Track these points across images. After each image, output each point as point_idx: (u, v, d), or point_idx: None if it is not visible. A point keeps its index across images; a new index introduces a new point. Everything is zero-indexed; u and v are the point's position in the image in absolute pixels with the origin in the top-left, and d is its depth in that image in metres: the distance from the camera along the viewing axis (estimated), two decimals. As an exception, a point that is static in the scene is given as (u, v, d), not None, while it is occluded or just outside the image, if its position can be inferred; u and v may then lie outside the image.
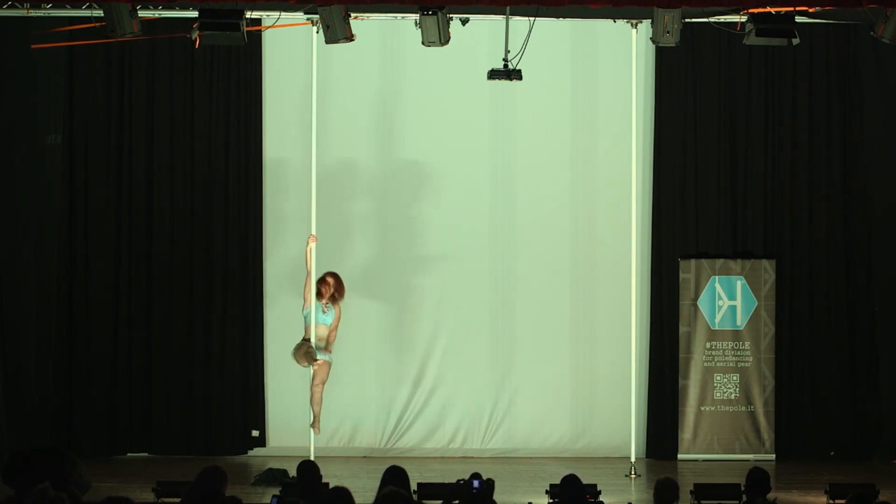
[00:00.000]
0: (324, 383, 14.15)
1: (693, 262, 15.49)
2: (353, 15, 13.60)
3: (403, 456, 15.29)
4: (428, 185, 15.66)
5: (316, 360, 13.97)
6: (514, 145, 15.70)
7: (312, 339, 14.00)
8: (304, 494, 9.03)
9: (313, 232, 14.01)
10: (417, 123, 15.65)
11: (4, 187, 15.24)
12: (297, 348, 14.09)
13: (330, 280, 14.15)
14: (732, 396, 15.42)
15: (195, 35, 13.48)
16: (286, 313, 15.05)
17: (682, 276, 15.48)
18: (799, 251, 15.71)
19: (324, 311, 14.11)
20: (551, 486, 10.94)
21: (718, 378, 15.42)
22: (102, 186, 15.36)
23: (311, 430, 14.13)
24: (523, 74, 13.98)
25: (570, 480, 9.37)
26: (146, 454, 15.31)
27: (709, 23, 14.30)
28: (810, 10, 13.72)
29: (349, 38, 13.45)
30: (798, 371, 15.63)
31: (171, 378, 15.32)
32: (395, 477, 8.95)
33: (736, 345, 15.44)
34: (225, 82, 15.49)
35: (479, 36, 14.89)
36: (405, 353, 15.65)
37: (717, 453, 15.34)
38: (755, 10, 13.33)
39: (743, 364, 15.44)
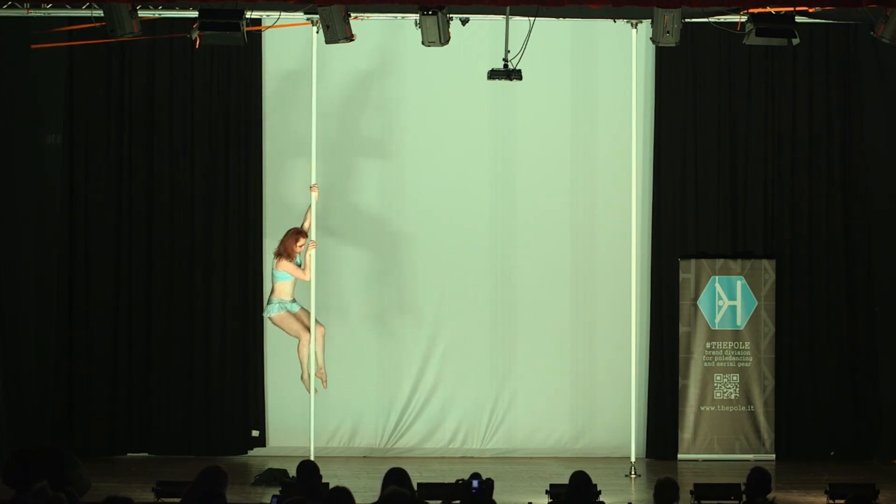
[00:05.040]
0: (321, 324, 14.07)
1: (693, 262, 15.50)
2: (353, 15, 13.60)
3: (403, 456, 15.29)
4: (427, 184, 15.66)
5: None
6: (514, 145, 15.70)
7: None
8: (304, 495, 9.02)
9: (313, 238, 13.99)
10: (417, 123, 15.65)
11: (4, 187, 15.24)
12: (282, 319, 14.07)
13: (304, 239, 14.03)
14: (732, 396, 15.42)
15: (195, 35, 13.49)
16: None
17: (682, 276, 15.48)
18: (799, 251, 15.71)
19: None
20: (551, 485, 10.95)
21: (718, 378, 15.42)
22: (102, 186, 15.36)
23: (317, 383, 14.01)
24: (523, 74, 13.98)
25: (580, 477, 9.35)
26: (146, 454, 15.32)
27: (709, 23, 14.30)
28: (810, 10, 13.72)
29: (349, 38, 13.45)
30: (798, 371, 15.63)
31: (171, 378, 15.32)
32: (396, 478, 8.95)
33: (736, 345, 15.44)
34: (225, 83, 15.49)
35: (479, 36, 14.90)
36: (405, 353, 15.64)
37: (717, 453, 15.34)
38: (755, 10, 13.32)
39: (743, 364, 15.44)
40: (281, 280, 14.00)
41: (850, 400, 15.61)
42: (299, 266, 13.94)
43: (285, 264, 13.91)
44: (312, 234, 14.01)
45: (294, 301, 14.13)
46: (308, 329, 14.01)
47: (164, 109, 15.42)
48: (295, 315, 14.11)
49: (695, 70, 15.69)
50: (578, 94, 15.72)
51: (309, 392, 14.04)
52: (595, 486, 10.59)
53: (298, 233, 13.96)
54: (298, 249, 13.96)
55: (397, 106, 15.65)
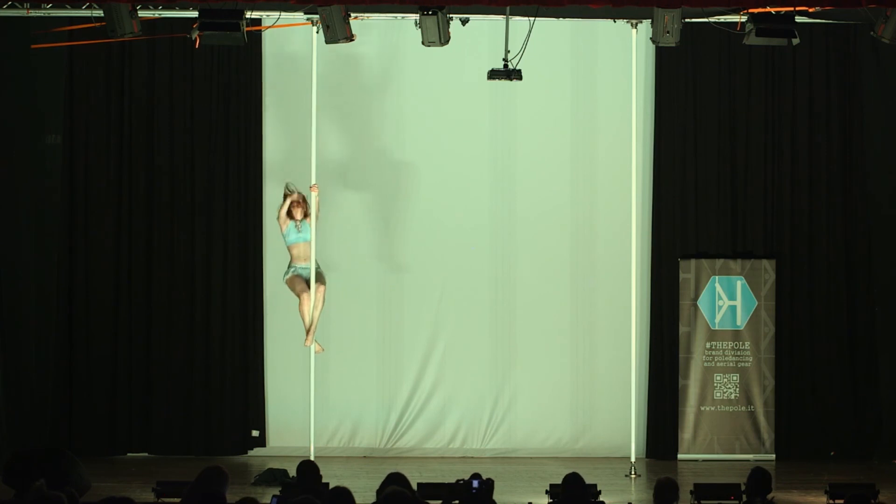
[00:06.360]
0: (324, 284, 14.16)
1: (693, 262, 15.50)
2: (353, 15, 13.60)
3: (403, 456, 15.32)
4: (428, 184, 15.66)
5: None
6: (514, 145, 15.70)
7: (312, 271, 14.02)
8: (304, 494, 9.01)
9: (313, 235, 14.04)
10: (417, 123, 15.65)
11: (4, 187, 15.25)
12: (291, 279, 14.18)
13: (300, 200, 14.12)
14: (732, 396, 15.42)
15: (195, 35, 13.49)
16: (287, 313, 15.02)
17: (682, 276, 15.48)
18: (799, 251, 15.71)
19: (298, 230, 14.10)
20: (551, 486, 10.94)
21: (718, 378, 15.43)
22: (102, 186, 15.37)
23: (313, 346, 14.08)
24: (523, 74, 13.98)
25: (573, 479, 9.36)
26: (146, 454, 15.32)
27: (709, 23, 14.30)
28: (810, 10, 13.72)
29: (349, 38, 13.45)
30: (798, 371, 15.64)
31: (171, 378, 15.32)
32: (395, 482, 8.94)
33: (736, 345, 15.44)
34: (225, 82, 15.50)
35: (479, 36, 14.89)
36: (405, 353, 15.64)
37: (717, 453, 15.35)
38: (755, 10, 13.32)
39: (743, 364, 15.44)
40: (289, 243, 14.05)
41: (850, 400, 15.62)
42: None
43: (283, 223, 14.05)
44: (313, 234, 14.03)
45: (306, 267, 14.11)
46: (309, 290, 14.03)
47: (164, 109, 15.43)
48: (303, 278, 14.11)
49: (695, 70, 15.69)
50: (578, 94, 15.72)
51: (308, 345, 14.05)
52: (594, 485, 10.61)
53: (294, 203, 14.11)
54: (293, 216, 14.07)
55: (397, 106, 15.65)
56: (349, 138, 15.61)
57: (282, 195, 14.36)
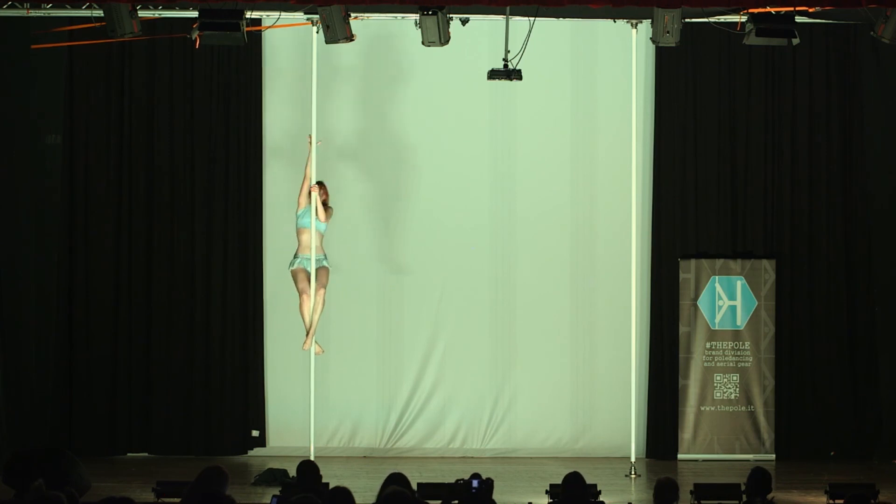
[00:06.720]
0: (325, 287, 14.12)
1: (693, 262, 15.50)
2: (353, 15, 13.60)
3: (403, 456, 15.32)
4: (428, 184, 15.66)
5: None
6: (514, 145, 15.70)
7: (313, 253, 13.98)
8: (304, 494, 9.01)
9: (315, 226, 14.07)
10: (417, 123, 15.66)
11: (4, 187, 15.25)
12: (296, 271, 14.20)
13: (321, 188, 14.12)
14: (732, 396, 15.43)
15: (195, 35, 13.49)
16: (287, 313, 15.04)
17: (682, 276, 15.48)
18: (799, 251, 15.71)
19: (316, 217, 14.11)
20: (551, 486, 10.95)
21: (718, 378, 15.43)
22: (102, 186, 15.37)
23: (313, 348, 14.07)
24: (523, 74, 13.98)
25: (573, 478, 9.36)
26: (146, 454, 15.32)
27: (709, 23, 14.30)
28: (810, 10, 13.72)
29: (349, 38, 13.45)
30: (798, 371, 15.64)
31: (171, 378, 15.32)
32: (396, 482, 8.94)
33: (736, 345, 15.44)
34: (225, 82, 15.50)
35: (479, 36, 14.90)
36: (405, 353, 15.65)
37: (717, 453, 15.35)
38: (755, 10, 13.32)
39: (743, 364, 15.44)
40: (299, 226, 14.04)
41: (850, 400, 15.62)
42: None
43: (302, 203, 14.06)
44: (313, 231, 14.03)
45: (309, 258, 14.06)
46: (310, 290, 14.03)
47: (164, 109, 15.43)
48: (307, 274, 14.08)
49: (695, 70, 15.69)
50: (578, 94, 15.72)
51: (306, 349, 14.07)
52: (594, 485, 10.60)
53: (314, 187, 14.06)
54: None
55: (398, 105, 15.65)
56: (349, 139, 15.61)
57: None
